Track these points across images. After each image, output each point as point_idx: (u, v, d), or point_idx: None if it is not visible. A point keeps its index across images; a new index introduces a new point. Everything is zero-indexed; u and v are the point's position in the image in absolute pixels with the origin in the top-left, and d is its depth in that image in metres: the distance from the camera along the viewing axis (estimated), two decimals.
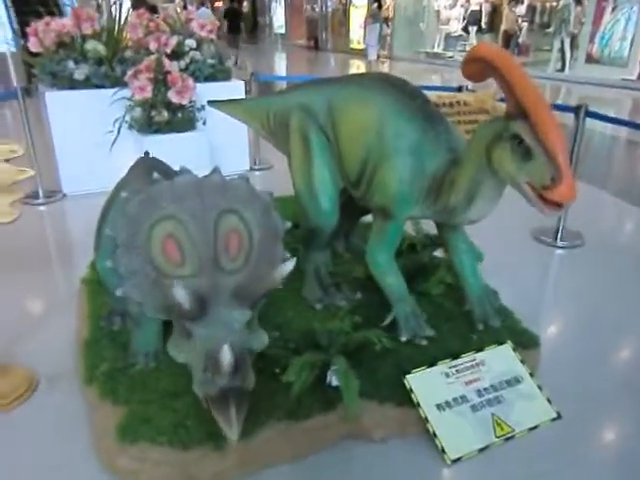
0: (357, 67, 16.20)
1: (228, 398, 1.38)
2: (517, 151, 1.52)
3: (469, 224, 1.87)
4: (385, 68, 15.49)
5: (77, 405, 1.93)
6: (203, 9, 10.75)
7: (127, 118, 3.93)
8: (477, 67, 1.64)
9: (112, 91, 3.95)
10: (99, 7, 4.68)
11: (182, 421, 1.65)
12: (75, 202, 4.11)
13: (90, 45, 3.96)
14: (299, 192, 2.20)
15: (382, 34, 12.82)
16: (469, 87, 3.92)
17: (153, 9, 7.14)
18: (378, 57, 14.49)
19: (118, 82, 3.99)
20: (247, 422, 1.59)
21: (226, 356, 1.35)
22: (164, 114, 3.79)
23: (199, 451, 1.59)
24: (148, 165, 2.05)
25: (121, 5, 4.41)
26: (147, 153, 2.27)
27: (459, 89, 3.92)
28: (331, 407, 1.75)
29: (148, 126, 3.83)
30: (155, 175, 1.65)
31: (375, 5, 14.36)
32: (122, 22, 4.23)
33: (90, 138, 4.01)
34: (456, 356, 1.96)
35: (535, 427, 1.83)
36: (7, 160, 1.73)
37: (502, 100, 3.23)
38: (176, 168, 1.96)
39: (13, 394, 1.88)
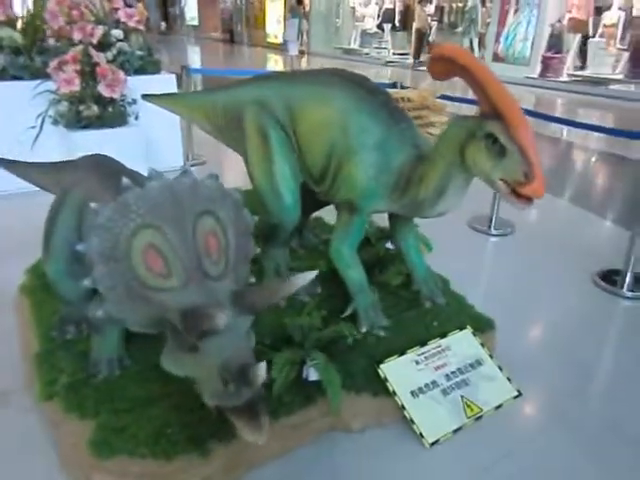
0: (275, 62, 16.14)
1: (257, 406, 1.33)
2: (492, 149, 1.59)
3: (437, 217, 1.93)
4: (303, 63, 15.54)
5: (33, 423, 1.79)
6: None
7: (51, 112, 3.66)
8: (444, 66, 1.69)
9: (33, 83, 3.67)
10: None
11: (162, 429, 1.58)
12: None
13: (4, 32, 3.65)
14: (260, 188, 2.16)
15: (301, 29, 12.81)
16: (403, 84, 4.05)
17: None
18: (301, 52, 14.48)
19: (39, 73, 3.71)
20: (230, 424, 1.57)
21: (262, 371, 1.31)
22: (94, 108, 3.58)
23: (183, 460, 1.53)
24: (98, 164, 1.92)
25: None
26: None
27: (394, 85, 4.03)
28: (311, 402, 1.76)
29: (76, 121, 3.59)
30: (125, 181, 1.51)
31: (294, 0, 14.33)
32: (39, 9, 3.92)
33: (9, 134, 3.70)
34: (423, 343, 2.04)
35: (500, 405, 1.95)
36: None
37: (441, 97, 3.39)
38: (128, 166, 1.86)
39: None
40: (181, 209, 1.49)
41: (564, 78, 11.89)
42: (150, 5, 22.50)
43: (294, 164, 2.12)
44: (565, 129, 7.45)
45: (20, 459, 1.69)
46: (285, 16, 17.21)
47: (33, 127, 3.63)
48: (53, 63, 3.50)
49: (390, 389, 1.85)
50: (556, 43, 12.12)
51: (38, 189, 2.12)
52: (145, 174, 1.62)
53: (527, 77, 12.13)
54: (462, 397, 1.91)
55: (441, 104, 3.16)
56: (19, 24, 3.80)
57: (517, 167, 1.53)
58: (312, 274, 1.47)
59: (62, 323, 2.02)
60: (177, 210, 1.48)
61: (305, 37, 18.41)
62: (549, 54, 12.20)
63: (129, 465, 1.51)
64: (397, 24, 17.48)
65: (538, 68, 12.29)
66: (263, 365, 1.33)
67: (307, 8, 18.36)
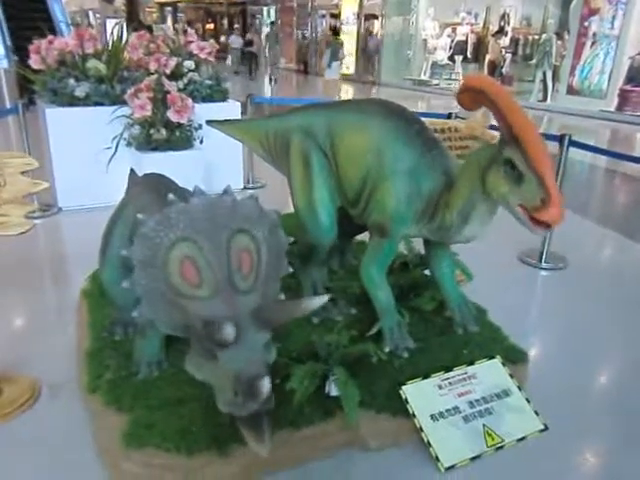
0: (346, 91, 16.55)
1: (261, 419, 1.41)
2: (510, 175, 1.63)
3: (465, 242, 1.97)
4: (373, 92, 15.78)
5: (79, 412, 1.97)
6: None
7: (125, 135, 4.01)
8: (470, 96, 1.76)
9: (111, 109, 4.04)
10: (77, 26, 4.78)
11: (188, 427, 1.70)
12: (70, 216, 4.16)
13: (91, 64, 4.06)
14: (299, 209, 2.28)
15: (338, 57, 12.82)
16: (458, 115, 4.09)
17: (149, 29, 7.32)
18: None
19: (117, 100, 4.09)
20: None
21: (266, 386, 1.38)
22: (162, 132, 3.88)
23: (204, 457, 1.63)
24: (154, 182, 2.11)
25: (122, 27, 4.53)
26: (132, 170, 2.33)
27: (449, 116, 4.08)
28: (330, 416, 1.82)
29: (146, 144, 3.91)
30: (170, 196, 1.65)
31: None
32: (122, 42, 4.34)
33: (88, 154, 4.08)
34: (449, 369, 2.05)
35: (523, 438, 1.92)
36: (22, 172, 1.79)
37: (491, 128, 3.40)
38: (188, 187, 2.03)
39: (19, 400, 1.92)
40: (218, 225, 1.61)
41: None
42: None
43: (332, 188, 2.23)
44: None
45: (63, 446, 1.86)
46: (357, 49, 17.73)
47: (109, 148, 3.98)
48: (130, 91, 3.85)
49: (410, 411, 1.88)
50: (635, 76, 11.63)
51: (105, 204, 2.33)
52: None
53: (603, 110, 11.68)
54: (484, 426, 1.90)
55: (491, 134, 3.17)
56: (104, 56, 4.22)
57: (534, 193, 1.56)
58: (324, 298, 1.56)
59: (112, 325, 2.21)
60: (214, 226, 1.60)
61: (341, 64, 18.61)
62: (628, 87, 11.72)
63: (154, 457, 1.63)
64: (469, 56, 17.46)
65: (615, 101, 11.82)
66: (267, 380, 1.39)
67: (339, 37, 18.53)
